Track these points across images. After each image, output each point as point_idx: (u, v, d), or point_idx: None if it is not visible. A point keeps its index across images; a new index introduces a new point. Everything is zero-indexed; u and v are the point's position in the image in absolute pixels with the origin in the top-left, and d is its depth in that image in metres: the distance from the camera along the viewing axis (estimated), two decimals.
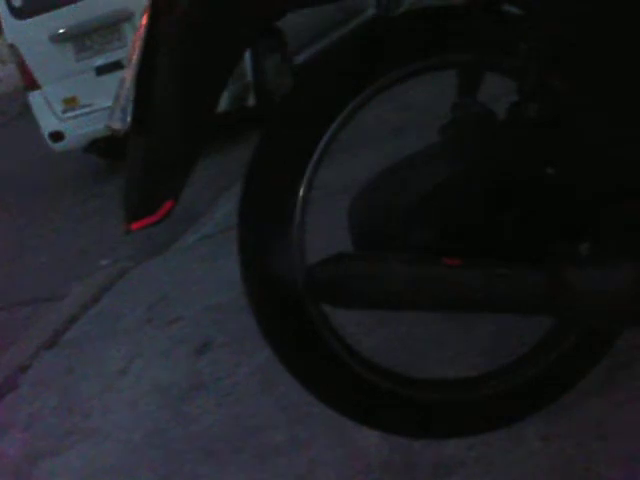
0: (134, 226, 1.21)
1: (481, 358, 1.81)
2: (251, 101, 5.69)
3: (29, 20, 5.86)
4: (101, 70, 5.76)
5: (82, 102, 5.90)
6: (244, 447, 1.88)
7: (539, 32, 1.30)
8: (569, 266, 1.33)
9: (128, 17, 5.51)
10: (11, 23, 5.97)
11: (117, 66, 5.58)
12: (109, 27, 5.68)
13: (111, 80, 5.49)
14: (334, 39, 4.57)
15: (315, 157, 1.34)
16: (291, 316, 1.37)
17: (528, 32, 1.30)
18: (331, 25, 6.52)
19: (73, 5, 5.66)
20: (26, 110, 7.06)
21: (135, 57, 1.17)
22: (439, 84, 3.97)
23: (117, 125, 1.18)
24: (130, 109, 1.17)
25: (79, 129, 5.96)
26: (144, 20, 1.17)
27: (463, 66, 1.40)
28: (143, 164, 1.24)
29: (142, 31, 1.16)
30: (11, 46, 6.05)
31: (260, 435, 1.90)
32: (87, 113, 5.87)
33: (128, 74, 1.18)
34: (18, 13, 5.90)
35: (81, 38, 5.79)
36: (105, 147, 6.27)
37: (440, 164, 1.36)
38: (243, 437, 1.92)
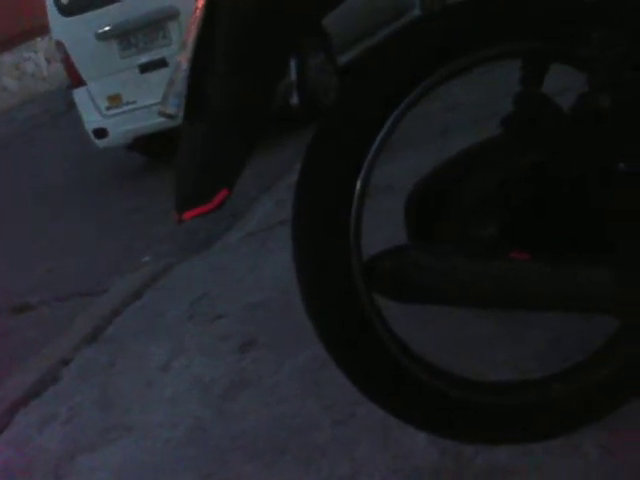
0: (187, 215, 1.17)
1: (534, 363, 1.75)
2: (294, 100, 5.67)
3: (76, 17, 5.91)
4: (145, 68, 5.78)
5: (126, 99, 5.93)
6: (287, 447, 1.84)
7: (613, 20, 1.24)
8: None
9: (174, 15, 5.52)
10: (58, 20, 6.04)
11: (161, 64, 5.62)
12: (154, 25, 5.70)
13: (155, 78, 5.53)
14: (378, 39, 4.53)
15: (372, 152, 1.29)
16: (345, 310, 1.32)
17: (602, 20, 1.25)
18: (375, 25, 6.49)
19: (119, 3, 5.70)
20: (71, 107, 7.11)
21: (191, 40, 1.13)
22: (484, 85, 3.90)
23: (171, 110, 1.14)
24: (185, 95, 1.14)
25: (122, 126, 6.01)
26: (200, 1, 1.13)
27: (528, 55, 1.34)
28: (198, 152, 1.20)
29: (198, 13, 1.13)
30: (58, 43, 6.11)
31: (304, 435, 1.86)
32: (131, 110, 5.91)
33: (183, 57, 1.14)
34: (65, 10, 5.96)
35: (126, 36, 5.82)
36: (148, 145, 6.32)
37: (505, 156, 1.31)
38: (286, 437, 1.88)
